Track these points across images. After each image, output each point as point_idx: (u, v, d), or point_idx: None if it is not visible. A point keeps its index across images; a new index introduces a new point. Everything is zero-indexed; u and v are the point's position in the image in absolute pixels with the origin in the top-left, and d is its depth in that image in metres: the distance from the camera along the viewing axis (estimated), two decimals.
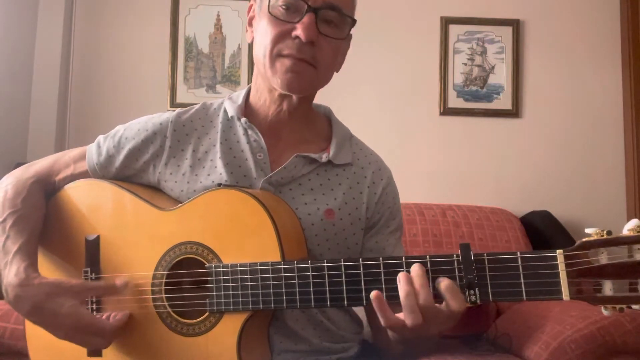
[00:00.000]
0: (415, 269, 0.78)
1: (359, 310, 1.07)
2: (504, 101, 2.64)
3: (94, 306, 0.97)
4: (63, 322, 0.88)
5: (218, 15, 2.62)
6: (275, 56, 0.95)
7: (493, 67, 2.65)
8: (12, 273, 0.90)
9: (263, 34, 0.97)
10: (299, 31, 0.92)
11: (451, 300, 0.76)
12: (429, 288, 0.77)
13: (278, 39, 0.94)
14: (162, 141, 1.03)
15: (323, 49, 0.96)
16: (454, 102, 2.64)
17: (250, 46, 2.75)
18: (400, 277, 0.78)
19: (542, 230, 2.37)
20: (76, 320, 0.88)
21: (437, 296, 0.78)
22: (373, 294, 0.79)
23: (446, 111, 2.63)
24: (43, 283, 0.89)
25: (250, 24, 1.04)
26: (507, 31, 2.65)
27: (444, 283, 0.77)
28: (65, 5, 2.56)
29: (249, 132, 1.02)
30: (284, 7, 0.94)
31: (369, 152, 1.10)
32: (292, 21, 0.94)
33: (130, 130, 1.05)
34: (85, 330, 0.89)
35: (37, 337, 1.00)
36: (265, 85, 1.01)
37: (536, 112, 2.65)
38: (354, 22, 0.99)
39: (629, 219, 0.72)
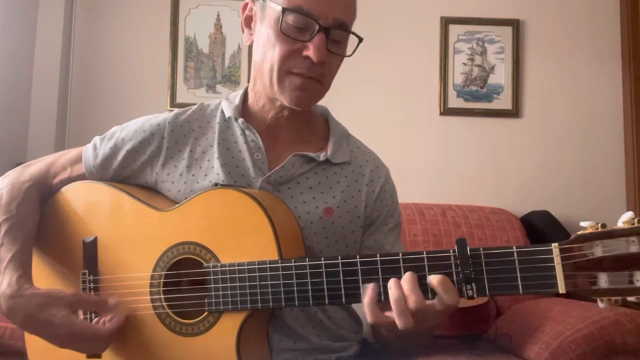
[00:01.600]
0: (406, 274, 0.78)
1: (359, 309, 1.07)
2: (504, 101, 2.64)
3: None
4: (57, 331, 0.88)
5: (218, 15, 2.63)
6: (284, 73, 0.94)
7: (493, 67, 2.65)
8: (5, 284, 0.91)
9: (270, 48, 0.94)
10: (310, 52, 0.91)
11: (445, 295, 0.76)
12: (419, 291, 0.77)
13: (288, 57, 0.93)
14: (160, 142, 1.03)
15: (330, 66, 0.96)
16: (454, 102, 2.64)
17: (250, 46, 2.74)
18: (391, 283, 0.79)
19: (542, 230, 2.37)
20: (70, 329, 0.88)
21: (431, 292, 0.78)
22: (369, 286, 0.80)
23: (446, 111, 2.63)
24: (35, 294, 0.89)
25: (247, 25, 1.02)
26: (507, 31, 2.65)
27: (436, 279, 0.77)
28: (65, 5, 2.57)
29: (247, 132, 1.02)
30: (294, 26, 0.92)
31: (366, 151, 1.10)
32: (302, 40, 0.92)
33: (127, 131, 1.05)
34: (80, 338, 0.89)
35: (35, 339, 0.99)
36: (266, 92, 1.00)
37: (536, 112, 2.65)
38: (360, 40, 0.98)
39: None
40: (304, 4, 0.90)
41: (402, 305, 0.77)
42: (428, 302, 0.77)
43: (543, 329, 1.65)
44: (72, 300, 0.90)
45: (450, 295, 0.76)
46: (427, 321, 0.79)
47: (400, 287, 0.78)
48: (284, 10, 0.91)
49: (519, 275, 0.74)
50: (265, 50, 0.95)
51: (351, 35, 0.98)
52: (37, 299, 0.89)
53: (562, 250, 0.72)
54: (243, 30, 1.04)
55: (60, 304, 0.89)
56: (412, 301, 0.77)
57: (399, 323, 0.77)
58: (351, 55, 0.98)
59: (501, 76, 2.64)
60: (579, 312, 1.62)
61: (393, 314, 0.78)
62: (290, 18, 0.91)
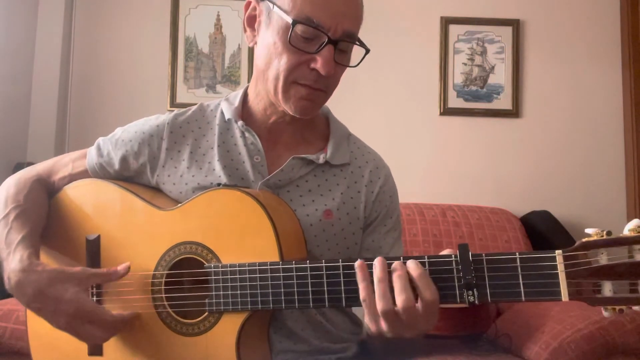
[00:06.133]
0: (411, 265, 0.77)
1: (358, 311, 1.07)
2: (504, 101, 2.64)
3: (94, 298, 0.97)
4: (65, 308, 0.87)
5: (218, 15, 2.63)
6: (290, 83, 0.93)
7: (493, 67, 2.65)
8: (16, 260, 0.90)
9: (276, 56, 0.93)
10: (318, 65, 0.90)
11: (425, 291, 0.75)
12: (409, 288, 0.76)
13: (295, 67, 0.92)
14: (159, 143, 1.03)
15: (335, 76, 0.95)
16: (454, 102, 2.64)
17: (251, 47, 2.74)
18: (376, 263, 0.78)
19: (542, 230, 2.37)
20: (78, 307, 0.87)
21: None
22: (358, 262, 0.79)
23: (446, 111, 2.63)
24: (46, 270, 0.89)
25: (250, 24, 1.00)
26: (507, 31, 2.65)
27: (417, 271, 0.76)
28: (65, 5, 2.57)
29: (246, 134, 1.01)
30: (302, 36, 0.90)
31: (366, 151, 1.10)
32: (309, 51, 0.91)
33: (128, 132, 1.05)
34: (86, 319, 0.88)
35: (39, 337, 1.00)
36: (268, 97, 0.99)
37: (536, 112, 2.65)
38: (367, 51, 0.96)
39: (629, 219, 0.71)
40: (313, 16, 0.89)
41: (385, 287, 0.76)
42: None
43: (543, 329, 1.66)
44: (82, 276, 0.90)
45: (430, 291, 0.75)
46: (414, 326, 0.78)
47: (385, 269, 0.77)
48: (294, 22, 0.89)
49: (521, 282, 0.73)
50: (271, 57, 0.94)
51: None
52: (48, 274, 0.88)
53: (565, 258, 0.71)
54: (245, 30, 1.01)
55: (72, 280, 0.88)
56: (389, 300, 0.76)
57: (379, 306, 0.76)
58: (357, 65, 0.97)
59: (501, 76, 2.65)
60: (579, 312, 1.62)
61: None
62: (298, 28, 0.90)
